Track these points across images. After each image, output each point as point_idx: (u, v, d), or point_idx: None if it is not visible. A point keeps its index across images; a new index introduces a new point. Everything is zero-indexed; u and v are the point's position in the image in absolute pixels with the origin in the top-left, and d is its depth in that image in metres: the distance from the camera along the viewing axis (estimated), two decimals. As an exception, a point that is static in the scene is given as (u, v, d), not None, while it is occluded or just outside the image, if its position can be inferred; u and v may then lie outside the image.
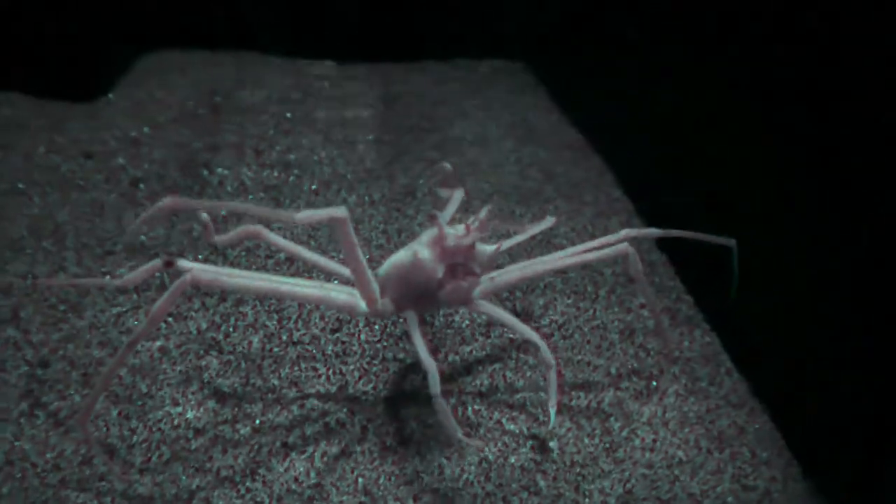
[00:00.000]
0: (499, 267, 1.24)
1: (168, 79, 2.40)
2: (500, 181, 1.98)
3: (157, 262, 1.06)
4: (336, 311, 1.37)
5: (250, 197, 1.82)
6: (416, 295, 1.09)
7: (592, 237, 1.75)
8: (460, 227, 1.07)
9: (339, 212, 0.99)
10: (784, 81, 1.30)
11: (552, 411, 1.15)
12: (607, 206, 1.94)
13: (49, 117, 2.07)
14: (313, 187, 1.89)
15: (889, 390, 1.15)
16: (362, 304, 1.11)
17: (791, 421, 1.30)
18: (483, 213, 1.10)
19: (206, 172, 1.89)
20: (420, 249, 1.06)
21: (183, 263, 1.04)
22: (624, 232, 1.24)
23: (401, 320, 1.40)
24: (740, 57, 1.44)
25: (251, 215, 0.99)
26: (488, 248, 1.11)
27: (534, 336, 1.11)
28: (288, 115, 2.23)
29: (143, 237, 1.58)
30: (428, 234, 1.08)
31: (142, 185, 1.81)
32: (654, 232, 1.30)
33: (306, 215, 0.96)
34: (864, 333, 1.24)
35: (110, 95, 2.27)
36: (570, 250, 1.22)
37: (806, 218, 1.31)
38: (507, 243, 1.24)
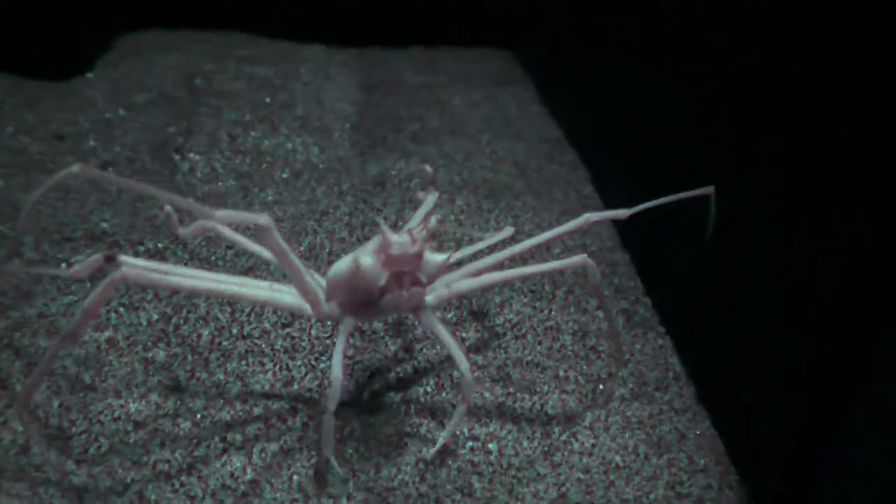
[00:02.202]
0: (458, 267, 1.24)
1: (149, 59, 2.40)
2: (471, 175, 1.98)
3: (98, 257, 1.07)
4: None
5: (220, 184, 1.83)
6: (360, 301, 1.09)
7: (571, 232, 1.76)
8: (406, 236, 1.06)
9: (262, 219, 0.99)
10: (774, 81, 1.28)
11: (440, 441, 1.15)
12: (577, 202, 1.94)
13: (24, 97, 2.07)
14: (284, 176, 1.89)
15: (823, 406, 1.16)
16: (308, 307, 1.12)
17: (733, 428, 1.31)
18: (432, 222, 1.10)
19: (177, 157, 1.89)
20: (363, 256, 1.06)
21: (123, 258, 1.05)
22: (584, 217, 1.20)
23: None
24: (729, 56, 1.42)
25: (164, 202, 0.98)
26: (438, 258, 1.11)
27: (464, 368, 1.10)
28: (267, 99, 2.22)
29: (104, 224, 1.59)
30: (374, 241, 1.08)
31: (110, 170, 1.81)
32: (620, 213, 1.23)
33: (226, 214, 0.96)
34: (812, 345, 1.24)
35: (89, 75, 2.27)
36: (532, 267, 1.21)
37: (776, 224, 1.30)
38: (458, 253, 1.24)
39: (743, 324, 1.39)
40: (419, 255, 1.07)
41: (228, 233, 1.28)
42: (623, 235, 1.80)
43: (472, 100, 2.45)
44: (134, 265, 1.03)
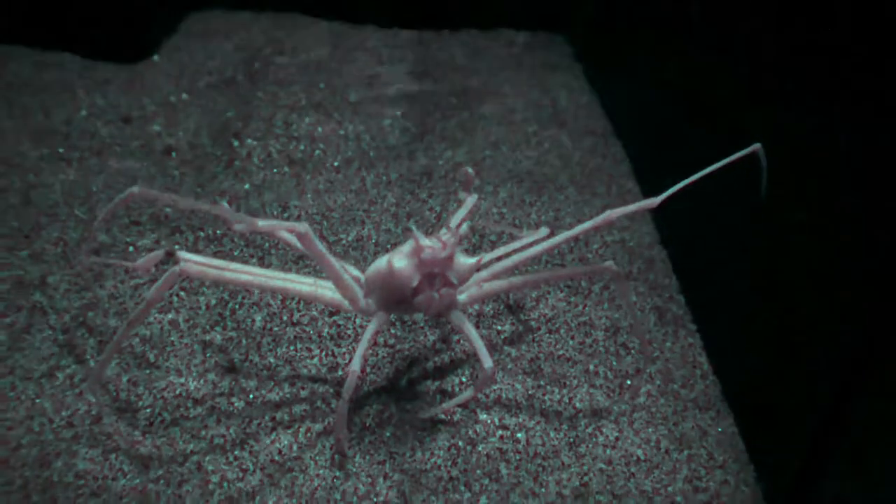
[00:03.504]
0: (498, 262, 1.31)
1: (211, 41, 2.50)
2: (516, 166, 2.03)
3: (160, 252, 1.18)
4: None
5: (274, 171, 1.92)
6: (394, 300, 1.17)
7: (596, 229, 1.82)
8: (437, 240, 1.14)
9: (301, 228, 1.08)
10: (839, 76, 1.26)
11: (437, 409, 1.27)
12: (618, 197, 1.99)
13: (94, 79, 2.19)
14: (335, 164, 1.98)
15: (838, 409, 1.21)
16: (347, 303, 1.21)
17: (754, 427, 1.37)
18: (464, 228, 1.18)
19: (236, 143, 2.00)
20: (396, 259, 1.14)
21: (181, 254, 1.15)
22: (607, 213, 1.22)
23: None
24: (794, 51, 1.39)
25: (215, 215, 1.07)
26: (468, 261, 1.18)
27: (487, 365, 1.17)
28: (321, 85, 2.31)
29: (168, 209, 1.70)
30: (408, 244, 1.16)
31: (174, 154, 1.93)
32: (647, 203, 1.20)
33: (268, 224, 1.04)
34: (836, 349, 1.29)
35: (155, 57, 2.38)
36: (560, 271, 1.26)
37: (816, 229, 1.32)
38: (491, 254, 1.31)
39: (771, 325, 1.44)
40: (450, 259, 1.15)
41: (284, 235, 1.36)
42: (662, 232, 1.84)
43: (522, 87, 2.49)
44: (191, 260, 1.13)
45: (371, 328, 1.18)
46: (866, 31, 1.21)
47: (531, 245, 1.31)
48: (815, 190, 1.34)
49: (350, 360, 1.40)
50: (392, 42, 2.67)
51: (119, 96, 2.10)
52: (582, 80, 2.58)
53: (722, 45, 1.71)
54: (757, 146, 1.21)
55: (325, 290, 1.22)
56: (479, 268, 1.24)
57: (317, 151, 2.01)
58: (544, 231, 1.41)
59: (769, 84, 1.50)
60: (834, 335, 1.26)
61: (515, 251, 1.33)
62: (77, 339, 1.35)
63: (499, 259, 1.31)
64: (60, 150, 1.83)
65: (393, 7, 2.80)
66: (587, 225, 1.23)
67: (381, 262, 1.18)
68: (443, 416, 1.30)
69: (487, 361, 1.17)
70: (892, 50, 1.15)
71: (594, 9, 2.67)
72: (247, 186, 1.83)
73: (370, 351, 1.42)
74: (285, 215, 1.75)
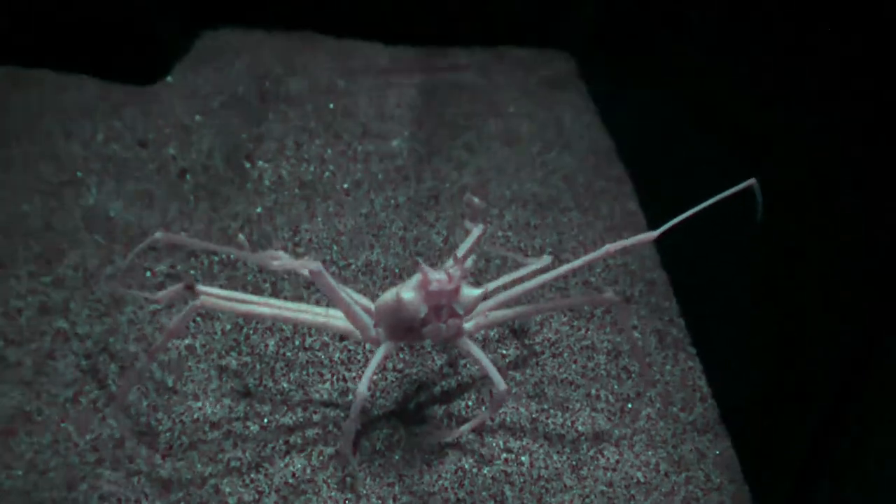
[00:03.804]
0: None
1: (223, 61, 2.55)
2: (521, 188, 2.09)
3: (179, 287, 1.23)
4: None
5: (285, 193, 1.98)
6: (403, 329, 1.23)
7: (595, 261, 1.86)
8: (444, 273, 1.20)
9: (314, 265, 1.14)
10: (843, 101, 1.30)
11: (454, 433, 1.32)
12: (621, 219, 2.04)
13: (112, 101, 2.25)
14: (345, 186, 2.03)
15: (831, 429, 1.25)
16: (358, 333, 1.26)
17: (750, 449, 1.41)
18: (468, 262, 1.23)
19: (248, 165, 2.05)
20: (405, 291, 1.20)
21: (201, 288, 1.21)
22: (606, 247, 1.26)
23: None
24: (803, 75, 1.42)
25: (235, 257, 1.14)
26: (474, 292, 1.24)
27: (502, 387, 1.23)
28: (331, 105, 2.36)
29: (183, 233, 1.75)
30: (415, 277, 1.22)
31: (188, 177, 1.98)
32: (645, 237, 1.25)
33: (281, 265, 1.11)
34: (830, 373, 1.33)
35: (169, 78, 2.43)
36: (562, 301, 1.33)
37: (816, 255, 1.36)
38: (495, 283, 1.37)
39: (769, 348, 1.48)
40: (456, 291, 1.21)
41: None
42: (663, 255, 1.89)
43: (527, 107, 2.54)
44: (210, 293, 1.19)
45: (379, 353, 1.23)
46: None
47: (534, 274, 1.37)
48: (816, 211, 1.38)
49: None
50: (400, 60, 2.72)
51: (135, 119, 2.16)
52: (586, 99, 2.63)
53: (725, 61, 1.75)
54: (752, 181, 1.26)
55: (337, 320, 1.27)
56: (484, 297, 1.29)
57: (326, 173, 2.06)
58: (547, 259, 1.46)
59: (773, 101, 1.53)
60: (831, 361, 1.31)
61: (520, 279, 1.39)
62: (99, 365, 1.41)
63: (503, 288, 1.36)
64: (79, 175, 1.89)
65: (401, 25, 2.85)
66: (588, 258, 1.28)
67: (390, 294, 1.23)
68: (449, 440, 1.35)
69: (501, 384, 1.23)
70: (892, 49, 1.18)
71: (597, 26, 2.71)
72: (259, 210, 1.89)
73: (378, 375, 1.47)
74: (296, 238, 1.81)
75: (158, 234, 1.17)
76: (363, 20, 2.83)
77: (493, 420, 1.41)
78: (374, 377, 1.46)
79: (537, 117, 2.48)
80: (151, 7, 2.43)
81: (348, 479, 1.28)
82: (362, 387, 1.17)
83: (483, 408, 1.43)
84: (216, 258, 1.70)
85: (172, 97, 2.33)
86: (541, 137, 2.36)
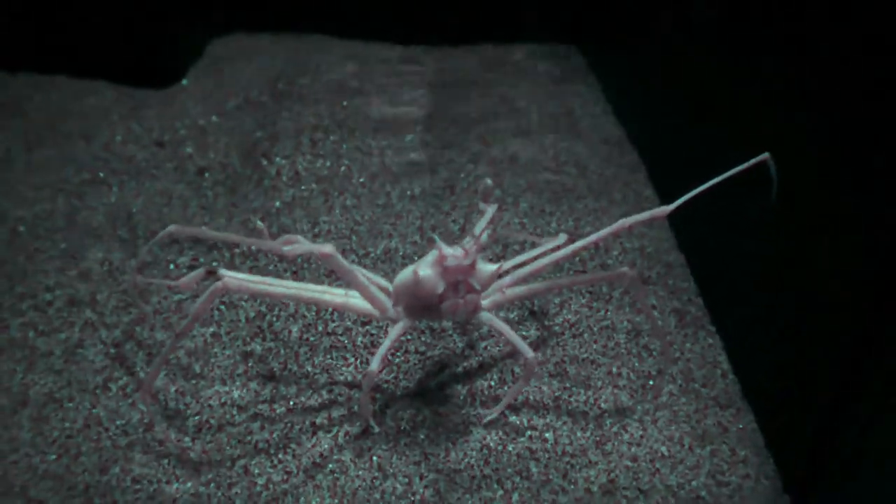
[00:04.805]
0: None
1: (236, 64, 2.59)
2: (535, 177, 2.10)
3: (201, 271, 1.26)
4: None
5: (302, 188, 2.00)
6: (422, 307, 1.25)
7: (615, 237, 1.88)
8: (460, 249, 1.22)
9: (326, 248, 1.16)
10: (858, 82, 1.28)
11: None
12: (636, 204, 2.05)
13: (128, 105, 2.29)
14: (361, 180, 2.05)
15: (848, 401, 1.26)
16: (377, 313, 1.28)
17: (774, 421, 1.42)
18: (484, 237, 1.25)
19: (265, 162, 2.08)
20: (422, 268, 1.22)
21: (222, 272, 1.23)
22: (620, 222, 1.29)
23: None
24: (810, 54, 1.42)
25: (247, 245, 1.17)
26: (490, 267, 1.26)
27: (529, 354, 1.25)
28: (344, 103, 2.39)
29: (204, 227, 1.78)
30: (432, 254, 1.24)
31: (207, 175, 2.01)
32: (658, 211, 1.27)
33: (293, 249, 1.13)
34: (846, 344, 1.33)
35: (184, 81, 2.48)
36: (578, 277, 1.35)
37: (830, 231, 1.36)
38: (511, 261, 1.38)
39: (788, 322, 1.49)
40: (472, 266, 1.22)
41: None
42: (679, 238, 1.90)
43: (538, 99, 2.56)
44: (231, 277, 1.21)
45: (394, 332, 1.25)
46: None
47: (550, 252, 1.38)
48: (827, 189, 1.39)
49: (385, 368, 1.47)
50: (411, 59, 2.75)
51: (152, 121, 2.19)
52: (596, 90, 2.65)
53: (733, 49, 1.76)
54: (766, 156, 1.27)
55: (356, 300, 1.29)
56: (500, 274, 1.31)
57: (342, 168, 2.09)
58: (563, 237, 1.47)
59: (781, 86, 1.55)
60: (846, 331, 1.31)
61: (535, 258, 1.40)
62: (127, 353, 1.43)
63: (520, 266, 1.38)
64: (101, 175, 1.92)
65: (410, 25, 2.88)
66: (602, 233, 1.30)
67: (407, 272, 1.25)
68: (493, 416, 1.36)
69: (529, 352, 1.25)
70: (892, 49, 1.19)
71: (606, 18, 2.73)
72: (277, 204, 1.91)
73: (401, 357, 1.49)
74: (315, 230, 1.83)
75: (172, 228, 1.21)
76: (373, 22, 2.86)
77: (514, 400, 1.41)
78: (397, 360, 1.48)
79: (548, 109, 2.50)
80: (166, 13, 2.48)
81: (374, 458, 1.30)
82: (373, 364, 1.19)
83: (505, 387, 1.45)
84: (237, 250, 1.72)
85: (188, 100, 2.36)
86: (552, 128, 2.37)
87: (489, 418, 1.36)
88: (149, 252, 1.62)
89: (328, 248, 1.17)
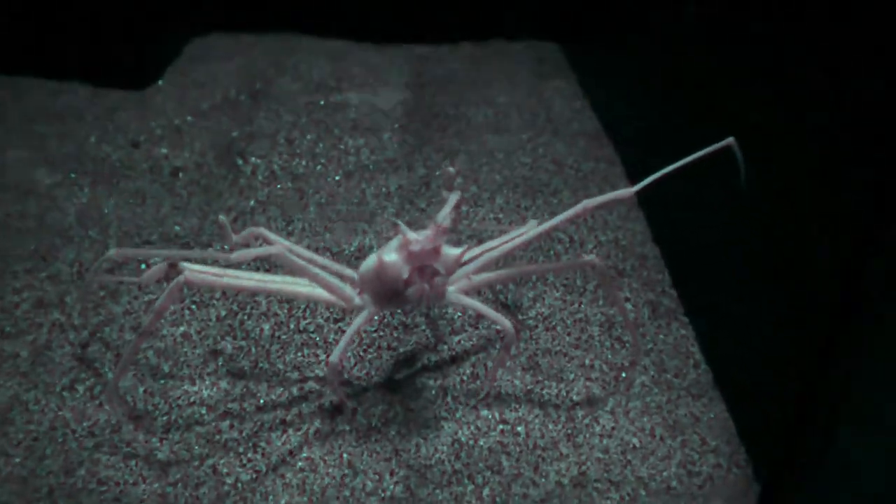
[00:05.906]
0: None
1: (213, 65, 2.58)
2: (511, 173, 2.10)
3: (163, 265, 1.25)
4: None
5: (278, 186, 1.99)
6: (387, 293, 1.24)
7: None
8: (424, 233, 1.21)
9: (274, 249, 1.15)
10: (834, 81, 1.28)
11: (484, 390, 1.37)
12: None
13: (104, 106, 2.27)
14: (336, 178, 2.05)
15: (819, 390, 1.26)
16: (342, 302, 1.28)
17: (744, 411, 1.42)
18: (447, 221, 1.24)
19: (240, 161, 2.07)
20: (386, 253, 1.21)
21: (183, 265, 1.22)
22: (583, 203, 1.28)
23: (398, 312, 1.56)
24: (785, 50, 1.42)
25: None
26: (454, 251, 1.25)
27: (506, 324, 1.25)
28: (321, 102, 2.38)
29: (177, 227, 1.77)
30: (396, 240, 1.23)
31: (181, 175, 2.00)
32: (622, 193, 1.28)
33: (240, 255, 1.12)
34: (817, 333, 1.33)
35: (160, 82, 2.46)
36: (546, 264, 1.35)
37: (803, 222, 1.36)
38: (478, 248, 1.37)
39: (761, 312, 1.49)
40: (437, 251, 1.22)
41: (273, 237, 1.41)
42: (654, 230, 1.90)
43: (517, 96, 2.55)
44: (193, 270, 1.20)
45: (358, 320, 1.24)
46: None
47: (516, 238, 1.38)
48: (799, 181, 1.39)
49: (357, 366, 1.46)
50: (390, 58, 2.75)
51: (127, 122, 2.18)
52: (575, 86, 2.65)
53: (714, 46, 1.76)
54: (730, 140, 1.27)
55: (322, 289, 1.28)
56: (467, 260, 1.30)
57: (318, 166, 2.08)
58: (533, 223, 1.47)
59: (756, 77, 1.55)
60: (818, 320, 1.31)
61: (501, 244, 1.39)
62: (95, 354, 1.42)
63: (486, 252, 1.37)
64: (73, 176, 1.91)
65: (390, 24, 2.87)
66: (566, 214, 1.29)
67: (372, 259, 1.24)
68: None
69: (506, 323, 1.25)
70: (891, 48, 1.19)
71: (585, 15, 2.73)
72: (252, 203, 1.90)
73: (373, 354, 1.48)
74: (290, 228, 1.82)
75: (111, 252, 1.27)
76: (351, 21, 2.86)
77: (484, 394, 1.41)
78: (369, 356, 1.48)
79: (527, 105, 2.50)
80: (143, 13, 2.47)
81: (345, 454, 1.29)
82: (334, 356, 1.18)
83: (477, 381, 1.44)
84: (210, 249, 1.71)
85: (164, 100, 2.35)
86: (530, 124, 2.37)
87: (482, 395, 1.38)
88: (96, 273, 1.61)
89: (276, 248, 1.16)
